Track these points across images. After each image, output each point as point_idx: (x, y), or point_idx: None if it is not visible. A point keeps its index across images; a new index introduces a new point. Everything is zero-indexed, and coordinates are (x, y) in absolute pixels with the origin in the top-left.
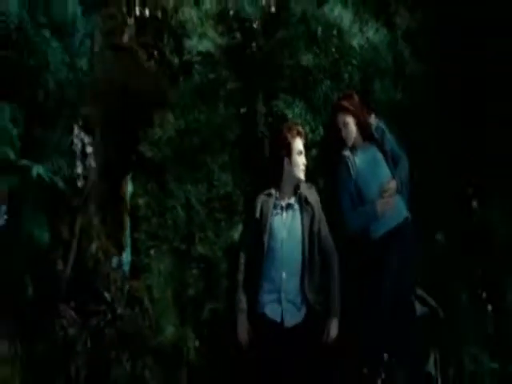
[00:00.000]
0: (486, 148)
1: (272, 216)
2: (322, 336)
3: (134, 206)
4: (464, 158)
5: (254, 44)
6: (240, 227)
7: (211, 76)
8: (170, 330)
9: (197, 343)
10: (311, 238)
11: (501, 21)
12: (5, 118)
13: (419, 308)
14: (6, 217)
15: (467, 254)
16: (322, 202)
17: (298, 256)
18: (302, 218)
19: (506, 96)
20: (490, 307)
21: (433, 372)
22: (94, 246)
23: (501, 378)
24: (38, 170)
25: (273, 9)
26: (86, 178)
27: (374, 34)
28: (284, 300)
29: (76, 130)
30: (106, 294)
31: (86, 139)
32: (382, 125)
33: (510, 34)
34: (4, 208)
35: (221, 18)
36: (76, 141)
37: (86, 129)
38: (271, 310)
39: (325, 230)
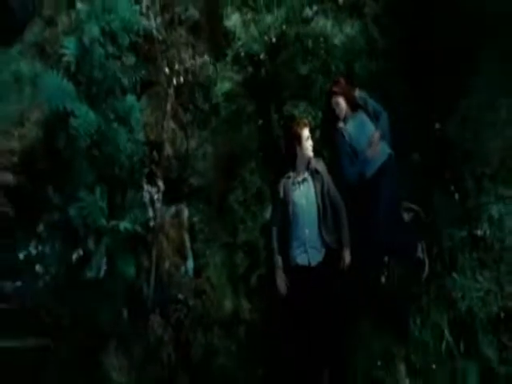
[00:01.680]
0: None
1: (292, 192)
2: (340, 264)
3: (191, 225)
4: (424, 97)
5: (262, 71)
6: (269, 209)
7: (233, 107)
8: (228, 304)
9: (249, 305)
10: (323, 197)
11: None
12: (97, 197)
13: (406, 215)
14: (105, 267)
15: (436, 162)
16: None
17: (315, 213)
18: (314, 186)
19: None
20: (456, 196)
21: (421, 256)
22: (166, 265)
23: (468, 242)
24: (124, 225)
25: (273, 39)
26: (155, 218)
27: (350, 29)
28: (309, 248)
29: (144, 186)
30: (180, 296)
31: (153, 190)
32: (364, 94)
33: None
34: (104, 260)
35: (235, 60)
36: (145, 194)
37: (150, 182)
38: (300, 259)
39: (333, 188)
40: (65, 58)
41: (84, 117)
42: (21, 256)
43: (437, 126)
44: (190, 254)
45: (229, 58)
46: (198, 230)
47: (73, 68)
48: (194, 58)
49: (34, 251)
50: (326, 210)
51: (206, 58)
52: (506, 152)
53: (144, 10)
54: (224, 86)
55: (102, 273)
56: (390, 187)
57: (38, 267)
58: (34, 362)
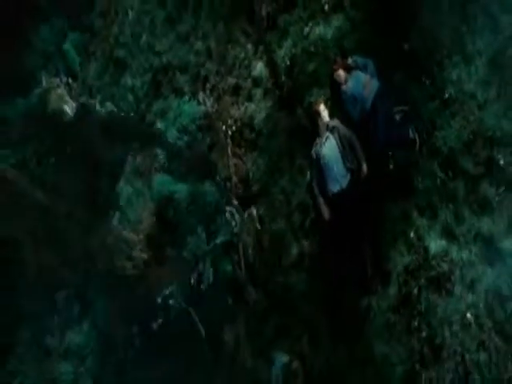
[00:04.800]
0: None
1: (320, 151)
2: (360, 175)
3: (260, 217)
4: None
5: (285, 89)
6: (308, 174)
7: (270, 124)
8: (294, 248)
9: (307, 241)
10: (341, 140)
11: None
12: (198, 234)
13: (398, 116)
14: (212, 275)
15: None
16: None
17: (338, 154)
18: (334, 137)
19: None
20: (427, 82)
21: (413, 136)
22: (250, 250)
23: (441, 107)
24: (220, 240)
25: (288, 63)
26: (236, 225)
27: (336, 21)
28: (340, 178)
29: (226, 209)
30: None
31: (231, 208)
32: (354, 57)
33: None
34: (211, 271)
35: (265, 93)
36: (227, 214)
37: (228, 204)
38: (335, 188)
39: (346, 130)
40: (161, 161)
41: (180, 191)
42: (159, 300)
43: (405, 47)
44: None
45: (260, 95)
46: (265, 217)
47: (166, 165)
48: (239, 109)
49: (167, 292)
50: (345, 147)
51: (246, 104)
52: (451, 39)
53: (201, 100)
54: (262, 115)
55: (211, 279)
56: (384, 108)
57: (171, 301)
58: None
